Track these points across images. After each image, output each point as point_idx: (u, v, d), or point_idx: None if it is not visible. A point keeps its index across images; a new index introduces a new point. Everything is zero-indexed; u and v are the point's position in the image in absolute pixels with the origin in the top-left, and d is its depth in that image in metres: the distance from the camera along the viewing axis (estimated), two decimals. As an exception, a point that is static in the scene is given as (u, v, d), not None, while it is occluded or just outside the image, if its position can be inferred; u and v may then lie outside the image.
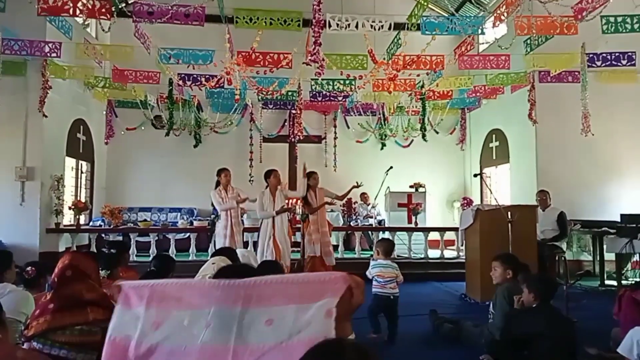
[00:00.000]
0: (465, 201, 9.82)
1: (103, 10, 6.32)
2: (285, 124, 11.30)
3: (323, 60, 6.91)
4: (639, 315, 3.15)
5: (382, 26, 6.70)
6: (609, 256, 7.20)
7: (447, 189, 11.68)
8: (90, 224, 9.45)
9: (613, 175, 8.42)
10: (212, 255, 3.57)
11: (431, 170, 11.38)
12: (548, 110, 8.54)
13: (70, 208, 8.61)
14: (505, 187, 10.08)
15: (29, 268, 3.27)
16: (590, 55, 7.59)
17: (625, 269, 7.15)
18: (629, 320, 3.08)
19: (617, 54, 7.63)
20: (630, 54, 7.55)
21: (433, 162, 11.53)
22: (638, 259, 6.94)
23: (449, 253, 8.88)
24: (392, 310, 4.50)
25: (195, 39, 8.40)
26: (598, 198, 8.34)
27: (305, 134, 10.73)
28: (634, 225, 6.34)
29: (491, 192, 8.39)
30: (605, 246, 7.22)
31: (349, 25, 6.62)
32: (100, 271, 3.65)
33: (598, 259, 7.59)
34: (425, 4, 6.68)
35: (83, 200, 9.45)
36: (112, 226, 8.73)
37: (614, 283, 7.02)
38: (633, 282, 6.36)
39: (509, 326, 3.61)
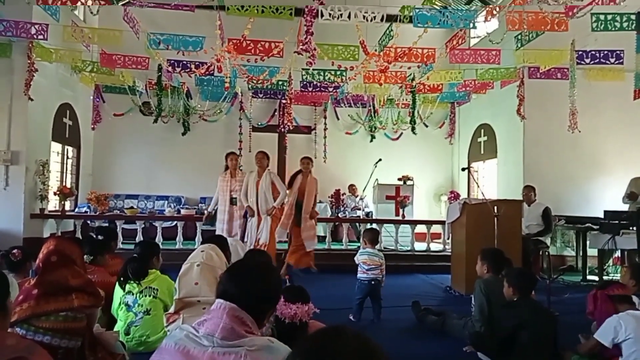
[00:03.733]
0: (453, 195, 9.86)
1: (91, -8, 6.22)
2: (275, 113, 11.24)
3: (314, 49, 6.87)
4: (615, 309, 3.21)
5: (374, 17, 6.67)
6: (592, 252, 7.31)
7: (435, 183, 11.75)
8: (76, 210, 9.34)
9: (598, 172, 8.53)
10: (202, 243, 3.56)
11: (419, 163, 11.44)
12: (536, 106, 8.60)
13: (55, 194, 8.50)
14: (492, 182, 10.17)
15: (15, 250, 3.20)
16: (580, 53, 7.64)
17: (606, 264, 7.28)
18: (605, 316, 3.14)
19: (605, 52, 7.69)
20: (618, 52, 7.61)
21: (422, 155, 11.59)
22: (619, 255, 7.06)
23: (435, 246, 8.96)
24: (375, 294, 4.82)
25: (185, 25, 8.29)
26: (583, 194, 8.46)
27: (295, 125, 10.69)
28: (617, 221, 6.41)
29: (478, 187, 8.47)
30: (588, 242, 7.32)
31: (341, 15, 6.58)
32: (86, 256, 3.61)
33: (581, 254, 7.71)
34: (419, -4, 6.67)
35: (68, 186, 9.34)
36: (98, 213, 8.64)
37: (596, 278, 7.14)
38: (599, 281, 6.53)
39: (492, 321, 3.67)
